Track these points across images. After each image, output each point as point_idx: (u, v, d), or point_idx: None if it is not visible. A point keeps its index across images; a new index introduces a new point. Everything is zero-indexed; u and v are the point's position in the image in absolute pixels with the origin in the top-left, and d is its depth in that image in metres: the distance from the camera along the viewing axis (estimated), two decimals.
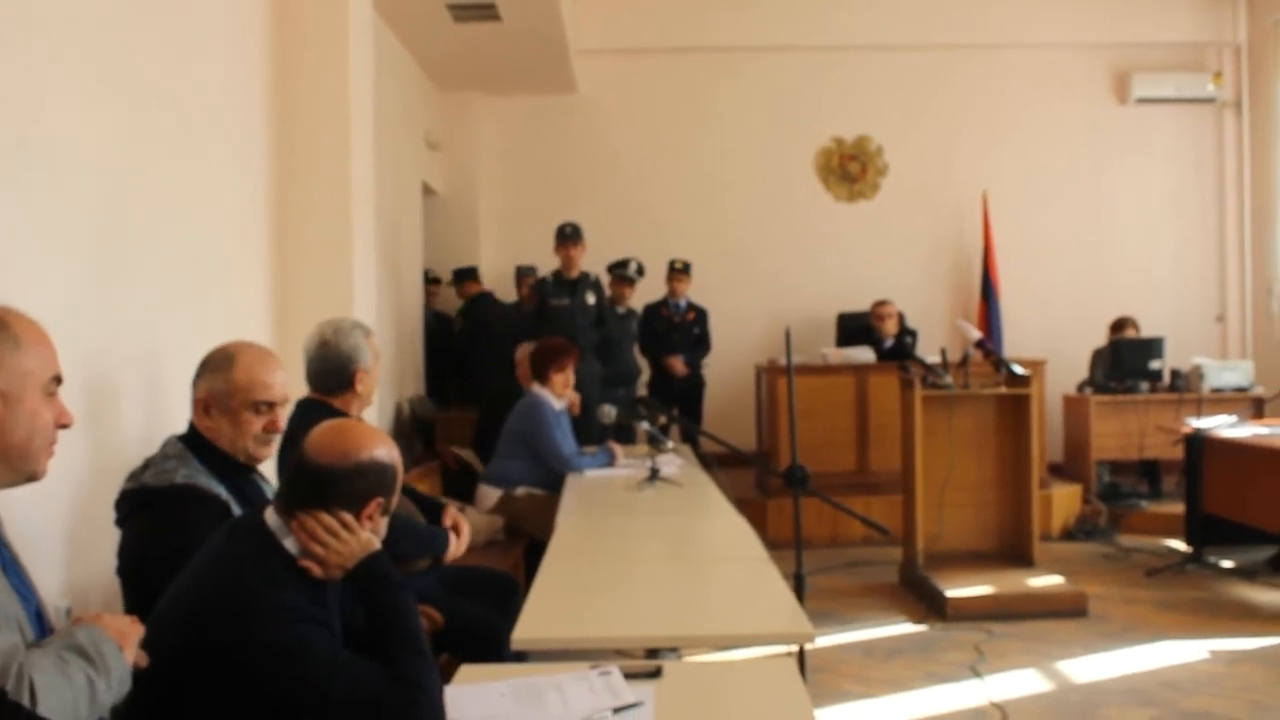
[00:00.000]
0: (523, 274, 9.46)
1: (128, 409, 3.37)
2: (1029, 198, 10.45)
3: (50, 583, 2.81)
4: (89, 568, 3.02)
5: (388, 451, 2.29)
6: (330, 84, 4.84)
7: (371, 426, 2.36)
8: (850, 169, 10.55)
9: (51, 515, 2.90)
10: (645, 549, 4.10)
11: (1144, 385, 8.80)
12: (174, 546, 2.40)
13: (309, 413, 3.66)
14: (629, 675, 2.38)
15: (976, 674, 5.15)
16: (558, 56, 9.23)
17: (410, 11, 7.73)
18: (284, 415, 2.93)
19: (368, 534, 2.24)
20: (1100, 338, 9.42)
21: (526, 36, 8.50)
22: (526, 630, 2.79)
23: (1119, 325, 9.31)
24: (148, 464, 2.81)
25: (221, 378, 2.86)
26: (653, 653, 2.87)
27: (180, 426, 2.95)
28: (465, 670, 2.53)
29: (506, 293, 9.89)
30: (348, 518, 2.21)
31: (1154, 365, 8.86)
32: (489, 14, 7.85)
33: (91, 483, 3.07)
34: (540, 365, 6.07)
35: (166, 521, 2.64)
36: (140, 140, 3.51)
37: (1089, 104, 10.58)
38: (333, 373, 3.78)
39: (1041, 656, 5.40)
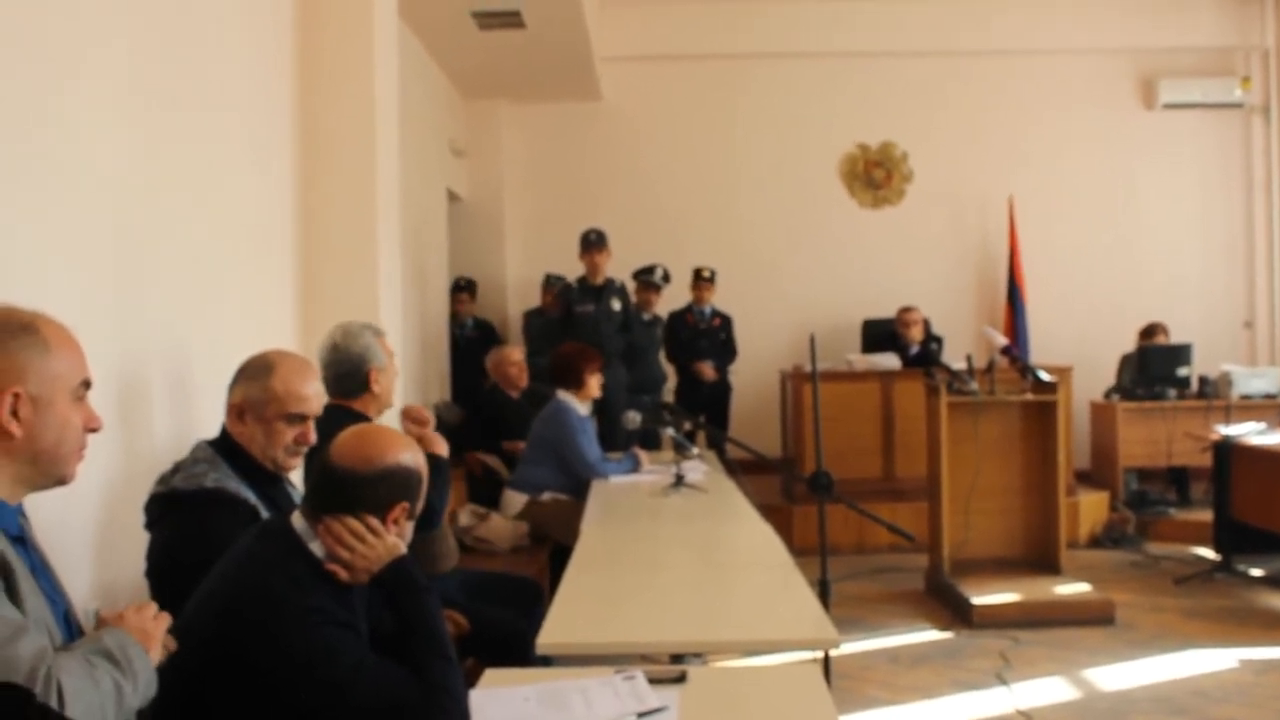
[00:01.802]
0: (551, 283, 9.47)
1: (155, 413, 3.39)
2: (1055, 203, 10.39)
3: (80, 585, 2.83)
4: (118, 570, 3.04)
5: (412, 456, 2.31)
6: (355, 91, 4.86)
7: (396, 431, 2.37)
8: (875, 175, 10.53)
9: (81, 518, 2.92)
10: (670, 555, 4.10)
11: (1172, 392, 8.73)
12: (202, 550, 2.41)
13: (330, 418, 3.68)
14: (653, 680, 2.39)
15: (1003, 681, 5.12)
16: (582, 64, 9.24)
17: (435, 19, 7.75)
18: (314, 429, 2.94)
19: (393, 538, 2.26)
20: (1127, 344, 9.37)
21: (551, 44, 8.52)
22: (551, 635, 2.79)
23: (1149, 331, 9.26)
24: (177, 467, 2.83)
25: (259, 385, 2.87)
26: (677, 658, 2.87)
27: (207, 431, 2.97)
28: (490, 674, 2.54)
29: (530, 299, 9.91)
30: (374, 522, 2.23)
31: (1182, 372, 8.81)
32: (514, 22, 7.87)
33: (120, 486, 3.09)
34: (570, 370, 6.04)
35: (195, 525, 2.66)
36: (166, 147, 3.53)
37: (1116, 109, 10.52)
38: (347, 376, 3.80)
39: (1068, 664, 5.37)
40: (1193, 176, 10.57)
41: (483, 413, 7.44)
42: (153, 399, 3.38)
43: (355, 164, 4.85)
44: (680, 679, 2.43)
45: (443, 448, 3.86)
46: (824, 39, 10.31)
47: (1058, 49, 10.39)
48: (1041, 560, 6.71)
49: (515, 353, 7.51)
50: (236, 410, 2.89)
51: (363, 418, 3.76)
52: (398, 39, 5.35)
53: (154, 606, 1.97)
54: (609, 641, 2.86)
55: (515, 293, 10.36)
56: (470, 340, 9.46)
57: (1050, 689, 5.05)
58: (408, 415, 4.07)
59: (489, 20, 7.84)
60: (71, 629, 1.92)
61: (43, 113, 2.81)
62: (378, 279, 4.87)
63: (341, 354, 3.79)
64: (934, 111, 10.46)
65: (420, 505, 2.35)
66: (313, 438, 2.91)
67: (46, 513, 2.37)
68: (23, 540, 1.87)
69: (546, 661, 2.83)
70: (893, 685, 5.13)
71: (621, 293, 8.20)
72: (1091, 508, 8.43)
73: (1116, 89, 10.53)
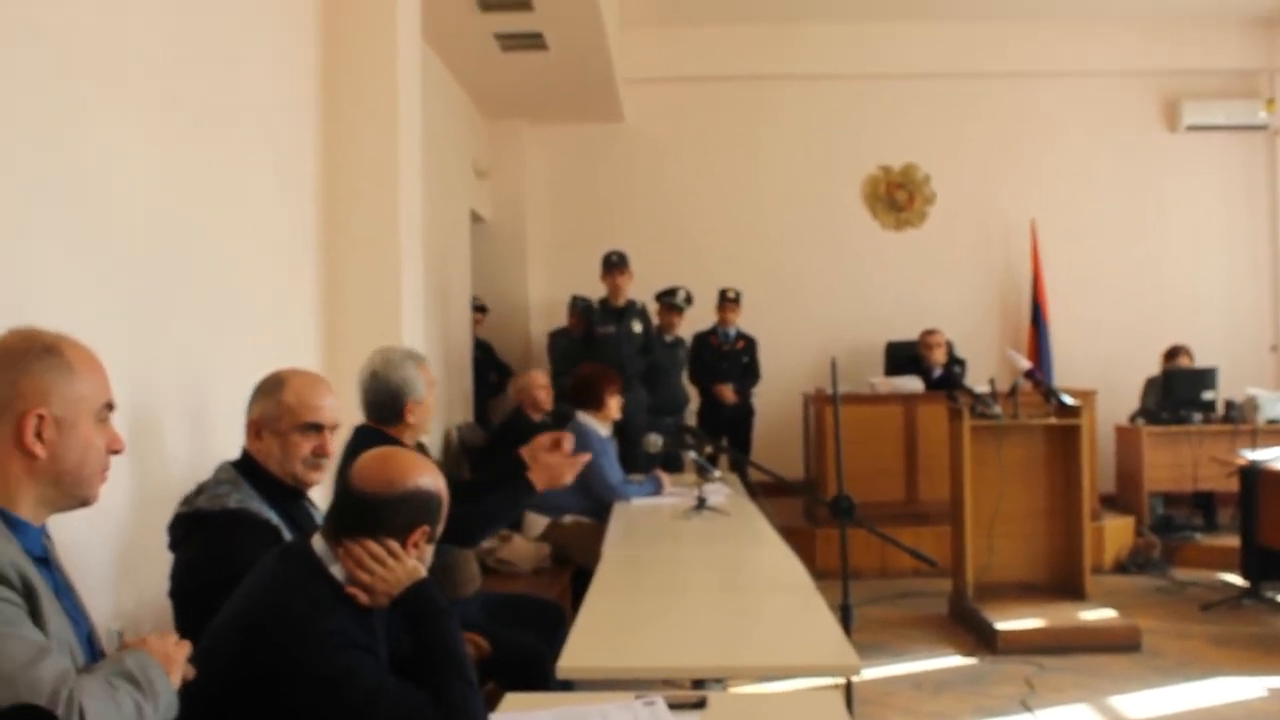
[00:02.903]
0: (577, 304, 9.47)
1: (178, 435, 3.39)
2: (1078, 226, 10.35)
3: (104, 606, 2.83)
4: (142, 591, 3.04)
5: (433, 480, 2.30)
6: (379, 112, 4.87)
7: (417, 455, 2.37)
8: (898, 197, 10.51)
9: (105, 539, 2.93)
10: (692, 578, 4.09)
11: (1197, 416, 8.67)
12: (225, 570, 2.41)
13: (363, 439, 3.70)
14: (673, 706, 2.37)
15: (1027, 708, 5.08)
16: (605, 86, 9.27)
17: (459, 41, 7.78)
18: (334, 440, 2.95)
19: (413, 561, 2.25)
20: (1152, 367, 9.31)
21: (574, 66, 8.54)
22: (572, 659, 2.78)
23: (1172, 354, 9.20)
24: (201, 489, 2.85)
25: (272, 400, 2.90)
26: (698, 683, 2.85)
27: (230, 452, 2.98)
28: (510, 699, 2.53)
29: (553, 320, 9.91)
30: (394, 545, 2.22)
31: (1207, 396, 8.74)
32: (536, 43, 7.90)
33: (144, 507, 3.10)
34: (590, 392, 6.04)
35: (218, 546, 2.67)
36: (188, 168, 3.54)
37: (1138, 131, 10.48)
38: (384, 405, 3.81)
39: (1094, 691, 5.32)
40: (1216, 199, 10.52)
41: (505, 437, 7.44)
42: (176, 420, 3.39)
43: (378, 185, 4.86)
44: (700, 704, 2.41)
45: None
46: (846, 61, 10.31)
47: (1080, 71, 10.36)
48: (1066, 585, 6.65)
49: (541, 376, 7.53)
50: (254, 428, 2.92)
51: (396, 443, 3.77)
52: (421, 60, 5.37)
53: (175, 635, 1.97)
54: (630, 666, 2.85)
55: (538, 313, 10.37)
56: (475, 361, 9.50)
57: (1075, 716, 5.01)
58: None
59: (511, 42, 7.87)
60: (94, 650, 1.92)
61: (69, 133, 2.83)
62: (401, 299, 4.88)
63: (380, 382, 3.80)
64: (956, 133, 10.44)
65: (441, 528, 2.34)
66: (331, 449, 2.92)
67: (71, 534, 2.37)
68: (46, 561, 1.88)
69: (567, 685, 2.82)
70: (916, 712, 5.09)
71: (643, 314, 8.20)
72: (1117, 532, 8.37)
73: (1140, 111, 10.49)
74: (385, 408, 3.81)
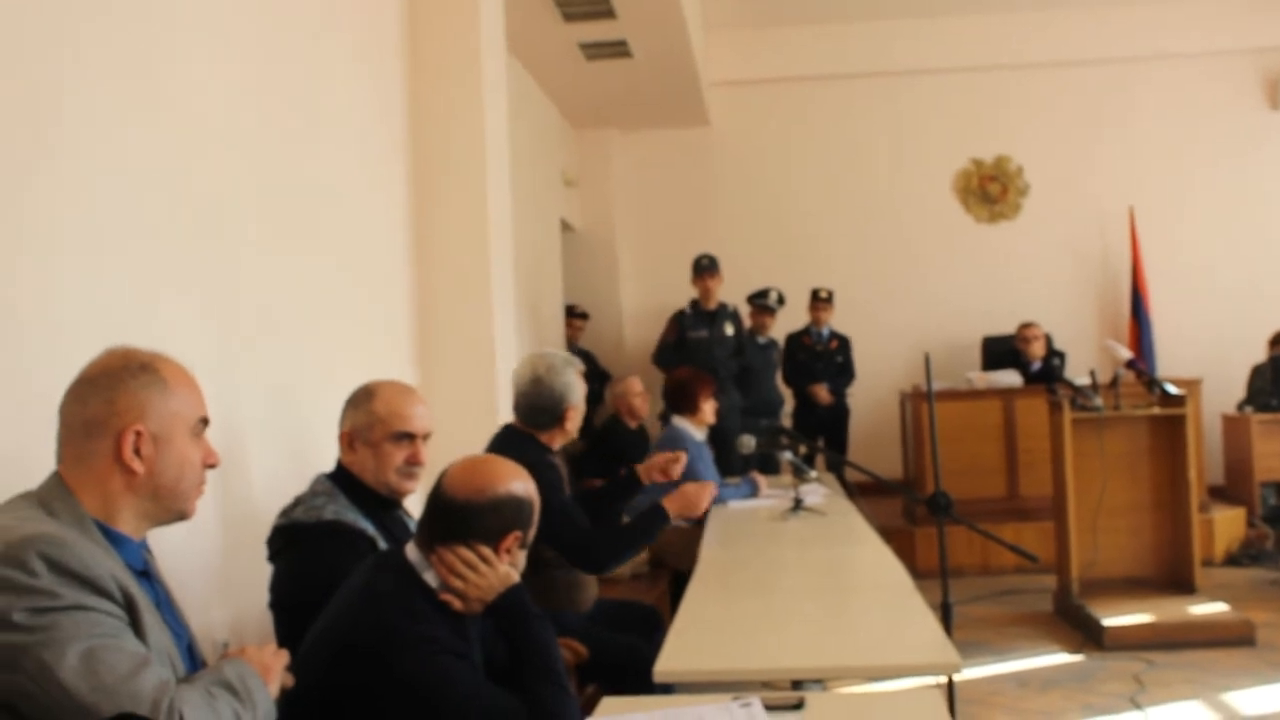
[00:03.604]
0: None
1: (272, 450, 3.46)
2: (1179, 211, 10.11)
3: (209, 620, 2.90)
4: (246, 604, 3.11)
5: (524, 486, 2.32)
6: (466, 125, 4.92)
7: (508, 461, 2.39)
8: (990, 190, 10.37)
9: (204, 553, 2.99)
10: (789, 580, 4.06)
11: None
12: (322, 581, 2.46)
13: (510, 440, 3.79)
14: (770, 707, 2.36)
15: (1137, 706, 4.97)
16: (690, 90, 9.27)
17: (544, 52, 7.85)
18: (426, 448, 2.98)
19: (506, 567, 2.27)
20: (1258, 354, 9.07)
21: (658, 72, 8.56)
22: (669, 661, 2.78)
23: (1278, 339, 8.95)
24: (298, 501, 2.90)
25: (363, 411, 2.95)
26: (797, 684, 2.84)
27: (326, 464, 3.03)
28: (607, 702, 2.53)
29: (646, 327, 9.93)
30: (486, 551, 2.24)
31: None
32: (620, 51, 7.94)
33: (241, 522, 3.17)
34: (684, 397, 6.05)
35: (315, 556, 2.72)
36: (278, 180, 3.61)
37: (1239, 111, 10.20)
38: (544, 410, 3.89)
39: (1206, 688, 5.19)
40: None
41: (603, 443, 7.49)
42: (270, 435, 3.45)
43: (468, 197, 4.91)
44: (799, 705, 2.40)
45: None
46: (932, 55, 10.22)
47: (1175, 53, 10.13)
48: (1175, 580, 6.50)
49: (637, 383, 7.56)
50: (347, 440, 2.96)
51: (545, 449, 3.84)
52: (507, 72, 5.42)
53: (274, 644, 2.01)
54: (728, 668, 2.84)
55: (630, 319, 10.40)
56: None
57: (1187, 713, 4.89)
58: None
59: (596, 51, 7.92)
60: (195, 661, 1.97)
61: (163, 157, 2.90)
62: (492, 310, 4.92)
63: (544, 388, 3.87)
64: (1049, 123, 10.28)
65: (533, 534, 2.36)
66: (424, 458, 2.96)
67: (171, 548, 2.43)
68: (147, 574, 1.93)
69: (667, 689, 2.82)
70: (1021, 710, 5.01)
71: (734, 317, 8.20)
72: (1227, 524, 8.16)
73: (1239, 90, 10.22)
74: (545, 413, 3.89)
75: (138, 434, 1.87)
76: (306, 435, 3.63)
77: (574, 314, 9.62)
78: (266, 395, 3.44)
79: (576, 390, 3.92)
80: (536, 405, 3.88)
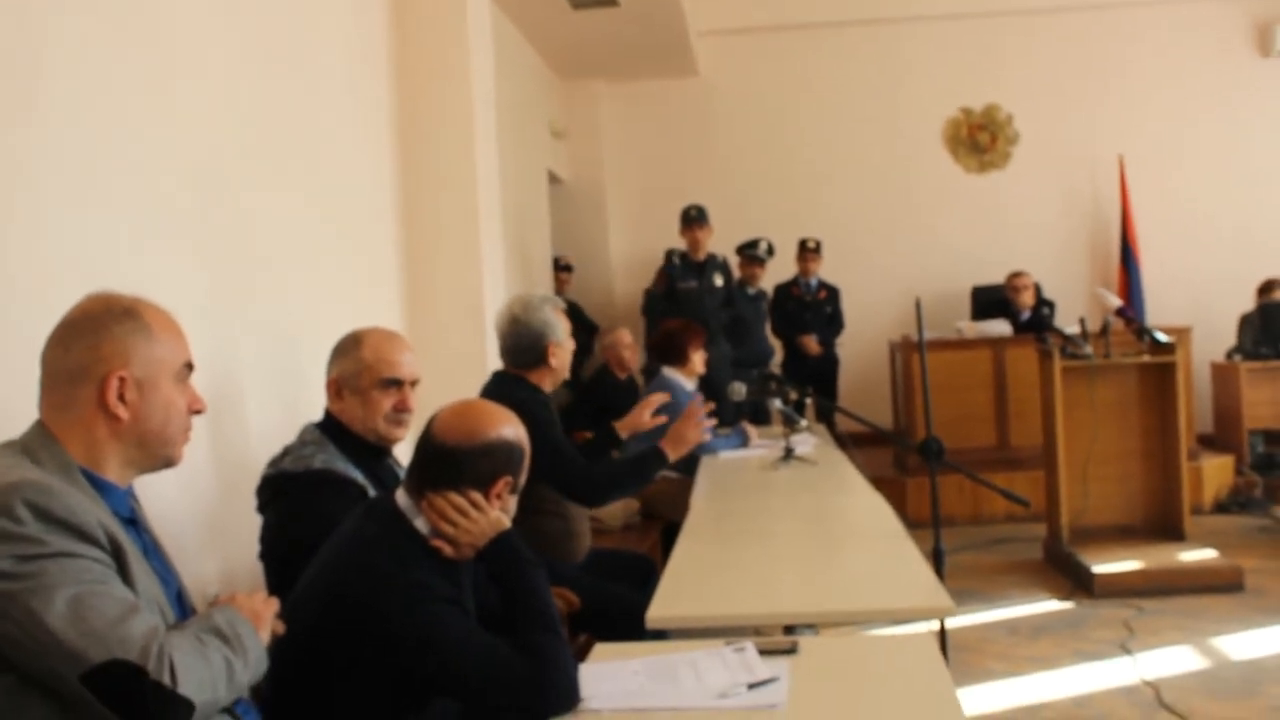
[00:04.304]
0: (671, 258, 9.47)
1: (262, 400, 3.44)
2: (1168, 160, 10.07)
3: (196, 570, 2.88)
4: (236, 554, 3.10)
5: (514, 430, 2.30)
6: (452, 77, 4.88)
7: (498, 406, 2.36)
8: (980, 139, 10.31)
9: (194, 504, 2.99)
10: (781, 527, 4.07)
11: None
12: (311, 530, 2.44)
13: (502, 384, 3.80)
14: (764, 652, 2.36)
15: (1127, 651, 5.00)
16: (677, 39, 9.18)
17: (529, 1, 7.76)
18: (414, 395, 2.97)
19: (497, 513, 2.26)
20: (1248, 302, 9.07)
21: (645, 21, 8.47)
22: (662, 608, 2.78)
23: (1267, 288, 8.94)
24: (287, 451, 2.89)
25: (350, 358, 2.93)
26: (789, 629, 2.84)
27: (316, 414, 3.01)
28: (600, 648, 2.53)
29: (636, 278, 9.89)
30: (477, 497, 2.23)
31: None
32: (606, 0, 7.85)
33: (230, 472, 3.16)
34: (675, 348, 6.03)
35: (304, 506, 2.71)
36: (267, 130, 3.58)
37: (1229, 59, 10.13)
38: (526, 349, 3.90)
39: (1195, 633, 5.22)
40: None
41: (591, 394, 7.47)
42: (260, 385, 3.44)
43: (454, 148, 4.88)
44: (792, 650, 2.39)
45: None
46: (920, 3, 10.14)
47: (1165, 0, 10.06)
48: (1164, 527, 6.53)
49: (626, 335, 7.55)
50: (334, 388, 2.95)
51: (535, 389, 3.83)
52: (492, 22, 5.36)
53: (264, 592, 2.00)
54: (720, 614, 2.84)
55: (620, 271, 10.36)
56: None
57: (1177, 658, 4.92)
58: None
59: None
60: (184, 609, 1.95)
61: (150, 104, 2.87)
62: (480, 261, 4.90)
63: (521, 327, 3.88)
64: (1038, 71, 10.20)
65: (524, 479, 2.34)
66: (412, 404, 2.95)
67: (160, 500, 2.41)
68: (134, 522, 1.91)
69: (660, 635, 2.82)
70: (1012, 657, 5.03)
71: (724, 268, 8.17)
72: (1216, 472, 8.19)
73: (1229, 37, 10.14)
74: (528, 352, 3.89)
75: (121, 380, 1.84)
76: (296, 385, 3.61)
77: (559, 266, 9.58)
78: (253, 345, 3.42)
79: (556, 327, 3.91)
80: (519, 345, 3.89)
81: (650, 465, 3.97)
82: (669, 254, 9.24)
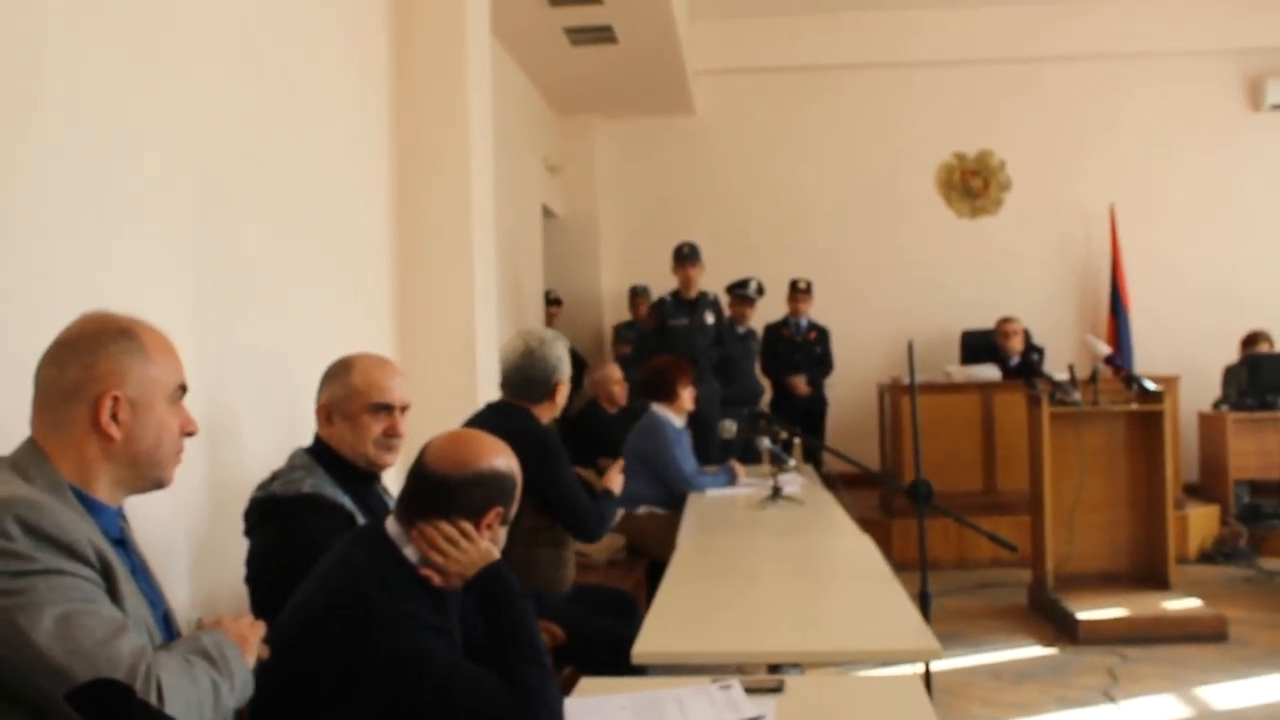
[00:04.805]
0: (637, 294, 9.52)
1: (253, 424, 3.43)
2: (1159, 210, 10.15)
3: (182, 593, 2.87)
4: (220, 578, 3.08)
5: (506, 461, 2.30)
6: (449, 108, 4.89)
7: (491, 436, 2.36)
8: (972, 184, 10.38)
9: (182, 528, 2.97)
10: (767, 566, 4.06)
11: None
12: (298, 554, 2.44)
13: (509, 415, 3.84)
14: (750, 690, 2.35)
15: (1110, 699, 4.99)
16: (675, 78, 9.25)
17: (529, 36, 7.81)
18: (404, 421, 2.96)
19: (487, 543, 2.25)
20: (1233, 354, 9.10)
21: (643, 59, 8.54)
22: (647, 643, 2.77)
23: (1251, 340, 8.99)
24: (275, 475, 2.88)
25: (340, 383, 2.93)
26: (775, 668, 2.83)
27: (306, 439, 3.01)
28: (585, 683, 2.52)
29: (626, 315, 9.93)
30: (467, 527, 2.22)
31: None
32: (606, 37, 7.91)
33: (220, 496, 3.14)
34: (664, 384, 6.03)
35: (291, 530, 2.69)
36: (264, 161, 3.58)
37: (1220, 112, 10.25)
38: (537, 382, 3.95)
39: (1179, 682, 5.22)
40: None
41: (579, 429, 7.47)
42: (252, 409, 3.43)
43: (450, 180, 4.89)
44: (777, 689, 2.39)
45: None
46: (917, 48, 10.23)
47: (1158, 51, 10.16)
48: (1149, 575, 6.53)
49: (616, 370, 7.55)
50: (324, 413, 2.94)
51: (533, 420, 3.85)
52: (491, 56, 5.39)
53: (250, 616, 1.99)
54: (705, 650, 2.83)
55: (611, 306, 10.39)
56: None
57: (1160, 707, 4.91)
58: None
59: (581, 36, 7.89)
60: (171, 631, 1.95)
61: (145, 124, 2.87)
62: (473, 293, 4.90)
63: (537, 359, 3.94)
64: (1031, 119, 10.30)
65: (514, 510, 2.34)
66: (402, 429, 2.94)
67: (149, 522, 2.40)
68: (123, 543, 1.90)
69: (642, 671, 2.81)
70: (996, 703, 5.02)
71: (715, 306, 8.19)
72: (1201, 521, 8.19)
73: (1221, 90, 10.26)
74: (537, 385, 3.95)
75: (115, 400, 1.84)
76: (287, 411, 3.60)
77: (550, 300, 9.61)
78: (247, 372, 3.42)
79: (566, 364, 4.01)
80: (530, 377, 3.93)
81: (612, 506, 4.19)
82: (633, 291, 9.31)
